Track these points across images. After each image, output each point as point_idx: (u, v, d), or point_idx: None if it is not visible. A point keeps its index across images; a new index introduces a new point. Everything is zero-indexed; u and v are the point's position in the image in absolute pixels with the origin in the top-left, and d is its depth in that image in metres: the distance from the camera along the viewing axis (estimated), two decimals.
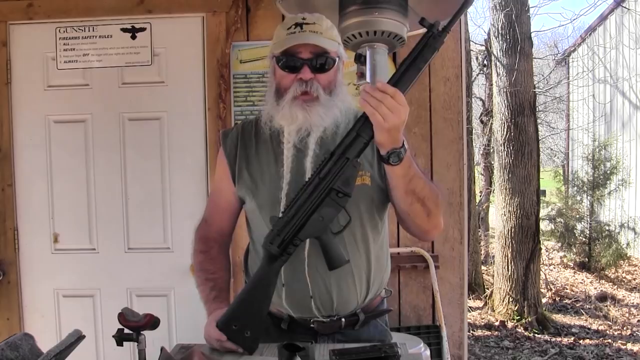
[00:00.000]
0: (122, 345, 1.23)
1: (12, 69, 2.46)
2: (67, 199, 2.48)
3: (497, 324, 4.95)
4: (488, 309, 5.36)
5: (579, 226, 7.15)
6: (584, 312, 5.33)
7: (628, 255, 7.11)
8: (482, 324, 5.01)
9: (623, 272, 6.87)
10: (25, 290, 2.50)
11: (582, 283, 6.46)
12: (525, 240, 5.04)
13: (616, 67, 8.59)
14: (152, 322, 1.22)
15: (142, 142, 2.47)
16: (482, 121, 7.60)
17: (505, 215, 5.16)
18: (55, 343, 1.05)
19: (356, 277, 1.34)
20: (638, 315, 5.31)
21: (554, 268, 7.10)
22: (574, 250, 7.10)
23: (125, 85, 2.47)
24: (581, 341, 4.54)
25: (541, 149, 7.39)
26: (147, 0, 2.42)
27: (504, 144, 5.17)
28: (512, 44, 5.15)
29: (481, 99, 8.21)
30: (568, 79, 10.49)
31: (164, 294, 2.48)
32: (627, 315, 5.29)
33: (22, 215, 2.49)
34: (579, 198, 7.33)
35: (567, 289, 6.13)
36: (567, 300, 5.76)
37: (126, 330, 1.22)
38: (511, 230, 5.08)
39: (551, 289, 5.98)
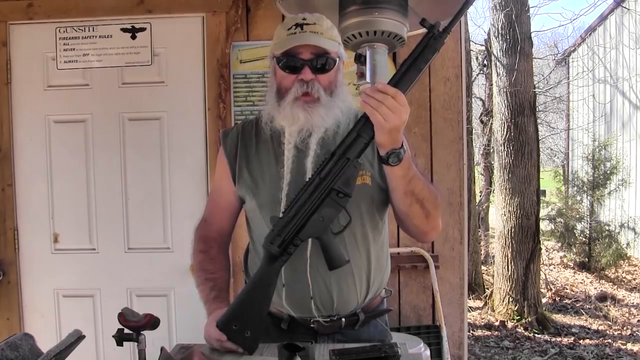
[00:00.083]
0: (122, 345, 1.23)
1: (12, 69, 2.46)
2: (67, 199, 2.48)
3: (497, 324, 4.95)
4: (488, 309, 5.36)
5: (579, 226, 7.15)
6: (584, 312, 5.33)
7: (628, 255, 7.11)
8: (482, 324, 5.01)
9: (623, 272, 6.87)
10: (25, 290, 2.50)
11: (582, 283, 6.46)
12: (525, 240, 5.04)
13: (616, 67, 8.59)
14: (152, 322, 1.22)
15: (142, 142, 2.47)
16: (482, 121, 7.60)
17: (505, 215, 5.16)
18: (55, 343, 1.05)
19: (356, 277, 1.34)
20: (638, 315, 5.31)
21: (554, 268, 7.10)
22: (574, 250, 7.10)
23: (125, 85, 2.47)
24: (581, 341, 4.54)
25: (541, 149, 7.40)
26: (147, 0, 2.42)
27: (504, 144, 5.17)
28: (512, 44, 5.15)
29: (481, 99, 8.21)
30: (568, 79, 10.49)
31: (164, 294, 2.48)
32: (627, 315, 5.29)
33: (22, 215, 2.49)
34: (579, 198, 7.33)
35: (567, 289, 6.13)
36: (567, 300, 5.76)
37: (126, 330, 1.22)
38: (511, 230, 5.08)
39: (551, 289, 5.98)
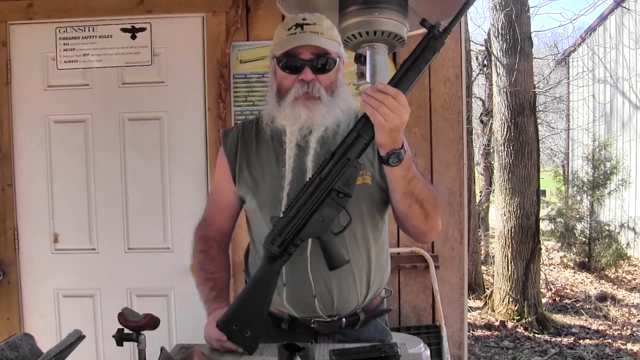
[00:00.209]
0: (122, 345, 1.23)
1: (12, 69, 2.46)
2: (67, 199, 2.48)
3: (497, 324, 4.95)
4: (488, 309, 5.36)
5: (579, 226, 7.15)
6: (584, 312, 5.33)
7: (628, 255, 7.11)
8: (482, 324, 5.01)
9: (623, 272, 6.87)
10: (25, 290, 2.50)
11: (582, 283, 6.46)
12: (525, 240, 5.04)
13: (616, 67, 8.59)
14: (152, 322, 1.22)
15: (142, 142, 2.47)
16: (482, 121, 7.61)
17: (505, 215, 5.16)
18: (55, 343, 1.05)
19: (356, 277, 1.34)
20: (638, 315, 5.31)
21: (554, 268, 7.10)
22: (574, 250, 7.10)
23: (125, 85, 2.47)
24: (581, 341, 4.54)
25: (541, 149, 7.40)
26: (147, 0, 2.42)
27: (504, 144, 5.17)
28: (512, 44, 5.15)
29: (481, 99, 8.21)
30: (568, 79, 10.49)
31: (164, 294, 2.48)
32: (627, 315, 5.29)
33: (22, 215, 2.49)
34: (579, 198, 7.33)
35: (567, 289, 6.13)
36: (567, 300, 5.76)
37: (126, 330, 1.22)
38: (511, 230, 5.08)
39: (551, 289, 5.98)
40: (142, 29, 2.46)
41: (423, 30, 1.20)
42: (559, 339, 4.65)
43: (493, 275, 5.66)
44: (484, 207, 7.42)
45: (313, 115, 1.28)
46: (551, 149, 11.68)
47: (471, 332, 4.75)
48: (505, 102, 5.16)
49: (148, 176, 2.47)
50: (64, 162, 2.48)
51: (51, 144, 2.48)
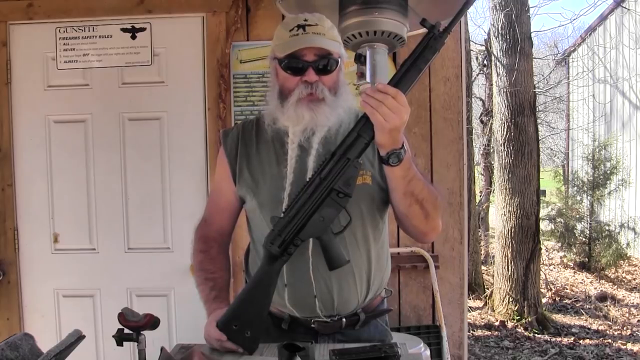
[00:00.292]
0: (122, 345, 1.23)
1: (12, 69, 2.46)
2: (67, 199, 2.48)
3: (497, 324, 4.95)
4: (488, 309, 5.36)
5: (579, 226, 7.15)
6: (584, 312, 5.33)
7: (628, 255, 7.11)
8: (482, 324, 5.01)
9: (623, 272, 6.87)
10: (25, 290, 2.50)
11: (582, 283, 6.46)
12: (525, 240, 5.04)
13: (616, 67, 8.59)
14: (152, 322, 1.22)
15: (142, 142, 2.47)
16: (482, 121, 7.61)
17: (505, 215, 5.16)
18: (55, 343, 1.05)
19: (357, 277, 1.34)
20: (638, 315, 5.31)
21: (554, 268, 7.10)
22: (574, 250, 7.10)
23: (125, 85, 2.47)
24: (581, 341, 4.54)
25: (541, 149, 7.40)
26: (147, 0, 2.42)
27: (504, 144, 5.17)
28: (512, 44, 5.15)
29: (481, 99, 8.21)
30: (568, 79, 10.49)
31: (164, 294, 2.48)
32: (627, 315, 5.29)
33: (22, 215, 2.49)
34: (579, 198, 7.33)
35: (567, 289, 6.13)
36: (567, 300, 5.76)
37: (126, 330, 1.22)
38: (511, 230, 5.08)
39: (551, 289, 5.98)
40: (142, 29, 2.46)
41: (423, 30, 1.20)
42: (559, 339, 4.65)
43: (493, 275, 5.66)
44: (484, 207, 7.42)
45: (317, 116, 1.28)
46: (551, 149, 11.68)
47: (471, 332, 4.75)
48: (505, 102, 5.16)
49: (148, 176, 2.47)
50: (64, 162, 2.48)
51: (51, 144, 2.48)
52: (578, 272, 6.86)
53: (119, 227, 2.48)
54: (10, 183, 2.47)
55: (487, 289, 5.74)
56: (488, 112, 7.19)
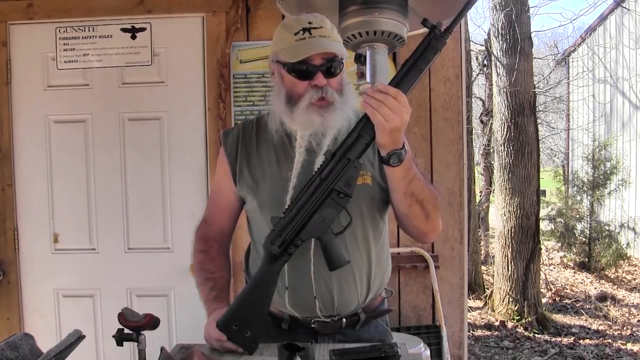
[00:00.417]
0: (122, 345, 1.22)
1: (12, 69, 2.46)
2: (67, 199, 2.48)
3: (497, 324, 4.95)
4: (488, 309, 5.36)
5: (579, 226, 7.15)
6: (584, 312, 5.33)
7: (628, 255, 7.11)
8: (482, 324, 5.01)
9: (623, 272, 6.87)
10: (25, 290, 2.50)
11: (582, 283, 6.46)
12: (525, 240, 5.04)
13: (616, 67, 8.59)
14: (152, 322, 1.22)
15: (142, 142, 2.47)
16: (482, 121, 7.61)
17: (505, 215, 5.16)
18: (55, 343, 1.05)
19: (357, 277, 1.34)
20: (638, 315, 5.31)
21: (554, 268, 7.10)
22: (574, 250, 7.10)
23: (125, 85, 2.47)
24: (581, 341, 4.55)
25: (541, 149, 7.40)
26: (147, 0, 2.42)
27: (504, 144, 5.17)
28: (512, 44, 5.15)
29: (481, 99, 8.21)
30: (568, 79, 10.49)
31: (164, 294, 2.48)
32: (627, 315, 5.29)
33: (22, 215, 2.49)
34: (579, 198, 7.34)
35: (567, 289, 6.13)
36: (567, 300, 5.76)
37: (126, 330, 1.22)
38: (511, 230, 5.08)
39: (551, 289, 5.98)
40: (142, 29, 2.46)
41: (423, 30, 1.20)
42: (559, 339, 4.65)
43: (493, 275, 5.66)
44: (484, 207, 7.42)
45: (327, 121, 1.27)
46: (551, 149, 11.68)
47: (471, 332, 4.75)
48: (505, 102, 5.16)
49: (148, 176, 2.47)
50: (64, 162, 2.48)
51: (51, 144, 2.48)
52: (578, 272, 6.86)
53: (119, 227, 2.48)
54: (10, 183, 2.47)
55: (487, 289, 5.74)
56: (488, 112, 7.19)
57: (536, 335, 4.73)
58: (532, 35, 5.47)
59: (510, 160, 5.12)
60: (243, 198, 1.41)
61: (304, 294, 1.33)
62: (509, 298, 5.06)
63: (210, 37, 2.43)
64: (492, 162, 6.66)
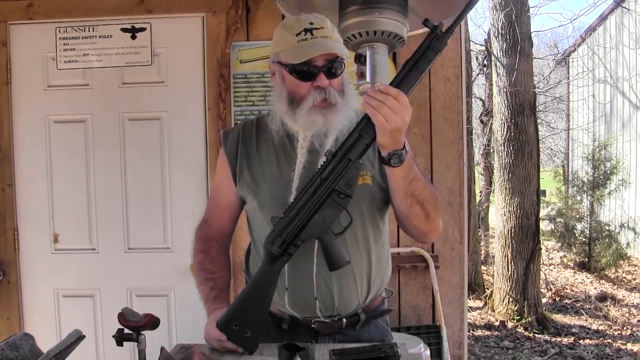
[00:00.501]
0: (122, 345, 1.23)
1: (12, 69, 2.46)
2: (67, 199, 2.48)
3: (497, 324, 4.95)
4: (488, 309, 5.36)
5: (579, 226, 7.15)
6: (584, 312, 5.33)
7: (628, 255, 7.11)
8: (482, 324, 5.01)
9: (623, 272, 6.88)
10: (25, 290, 2.50)
11: (582, 283, 6.46)
12: (525, 240, 5.04)
13: (616, 67, 8.59)
14: (152, 322, 1.22)
15: (142, 142, 2.47)
16: (482, 121, 7.61)
17: (505, 215, 5.16)
18: (55, 343, 1.05)
19: (357, 277, 1.34)
20: (638, 315, 5.31)
21: (554, 268, 7.10)
22: (574, 250, 7.10)
23: (125, 85, 2.47)
24: (581, 341, 4.55)
25: (541, 149, 7.40)
26: (147, 0, 2.42)
27: (504, 144, 5.17)
28: (512, 44, 5.15)
29: (481, 99, 8.21)
30: (568, 79, 10.49)
31: (164, 294, 2.48)
32: (627, 315, 5.29)
33: (22, 215, 2.49)
34: (579, 198, 7.34)
35: (567, 289, 6.13)
36: (567, 300, 5.76)
37: (126, 330, 1.22)
38: (511, 230, 5.08)
39: (551, 289, 5.98)
40: (142, 29, 2.46)
41: (423, 30, 1.20)
42: (559, 339, 4.65)
43: (493, 275, 5.66)
44: (484, 207, 7.42)
45: (330, 122, 1.27)
46: (551, 149, 11.68)
47: (471, 332, 4.75)
48: (505, 102, 5.16)
49: (148, 176, 2.47)
50: (64, 162, 2.48)
51: (51, 144, 2.48)
52: (578, 272, 6.86)
53: (119, 227, 2.48)
54: (10, 183, 2.47)
55: (487, 289, 5.74)
56: (488, 112, 7.19)
57: (536, 335, 4.73)
58: (532, 35, 5.47)
59: (510, 160, 5.12)
60: (243, 198, 1.41)
61: (304, 295, 1.33)
62: (509, 298, 5.06)
63: (210, 37, 2.43)
64: (492, 162, 6.66)
